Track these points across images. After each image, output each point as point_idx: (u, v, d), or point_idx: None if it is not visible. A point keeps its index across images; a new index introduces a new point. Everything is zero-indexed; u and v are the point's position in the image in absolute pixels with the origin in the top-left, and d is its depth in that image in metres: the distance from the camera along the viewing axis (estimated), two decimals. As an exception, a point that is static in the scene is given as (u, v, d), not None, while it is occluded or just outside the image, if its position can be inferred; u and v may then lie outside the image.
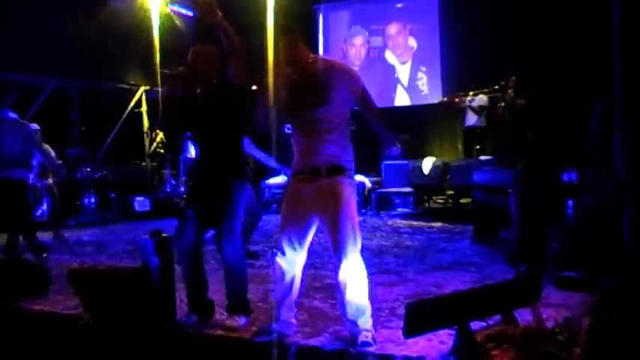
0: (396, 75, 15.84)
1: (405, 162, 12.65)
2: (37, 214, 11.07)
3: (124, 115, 15.51)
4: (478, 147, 12.43)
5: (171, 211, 11.97)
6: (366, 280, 4.33)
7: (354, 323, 4.27)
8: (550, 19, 12.09)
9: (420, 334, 4.01)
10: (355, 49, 16.40)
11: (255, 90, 4.91)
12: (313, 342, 4.40)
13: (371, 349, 4.15)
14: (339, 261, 4.24)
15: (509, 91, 11.60)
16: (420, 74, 15.58)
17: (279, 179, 11.68)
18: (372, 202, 12.48)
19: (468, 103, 12.86)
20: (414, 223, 10.79)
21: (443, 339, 4.14)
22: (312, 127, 4.34)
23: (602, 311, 3.73)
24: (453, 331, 3.93)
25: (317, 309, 5.23)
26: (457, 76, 14.21)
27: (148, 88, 15.58)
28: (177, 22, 15.26)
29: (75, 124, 14.49)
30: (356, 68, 16.15)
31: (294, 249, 4.42)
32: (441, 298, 4.44)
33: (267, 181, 12.66)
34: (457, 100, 12.87)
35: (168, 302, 5.05)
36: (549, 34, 12.02)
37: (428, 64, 15.40)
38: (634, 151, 4.82)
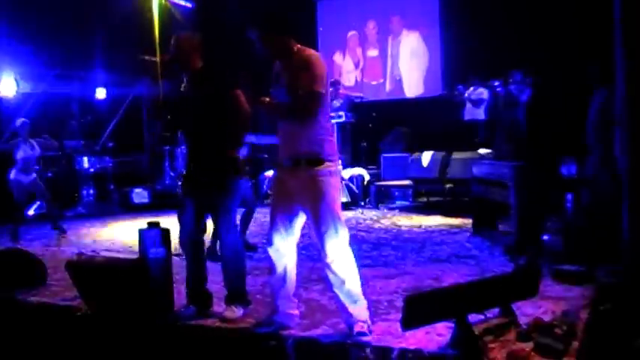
0: (397, 67, 15.81)
1: (404, 155, 12.63)
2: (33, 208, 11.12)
3: (123, 107, 15.47)
4: (477, 140, 12.40)
5: (169, 203, 11.96)
6: (355, 270, 4.32)
7: (349, 314, 4.28)
8: (549, 11, 12.05)
9: (418, 327, 4.02)
10: (355, 42, 16.37)
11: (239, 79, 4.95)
12: (311, 334, 4.40)
13: (366, 338, 4.15)
14: (323, 253, 4.26)
15: (509, 84, 11.57)
16: (420, 66, 15.55)
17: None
18: (371, 195, 12.47)
19: (467, 96, 12.84)
20: (413, 215, 10.78)
21: (441, 332, 4.13)
22: (290, 118, 4.34)
23: (600, 304, 3.74)
24: (451, 324, 3.94)
25: (315, 301, 5.23)
26: (457, 68, 14.19)
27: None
28: (176, 13, 15.22)
29: (74, 115, 14.47)
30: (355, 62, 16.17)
31: (282, 239, 4.43)
32: (439, 291, 4.45)
33: (265, 173, 12.64)
34: None
35: (165, 293, 5.05)
36: (548, 26, 11.99)
37: (428, 56, 15.37)
38: (633, 141, 4.82)
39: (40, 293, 6.03)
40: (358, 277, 4.34)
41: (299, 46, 4.39)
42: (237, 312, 4.84)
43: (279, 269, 4.46)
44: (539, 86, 10.33)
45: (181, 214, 5.05)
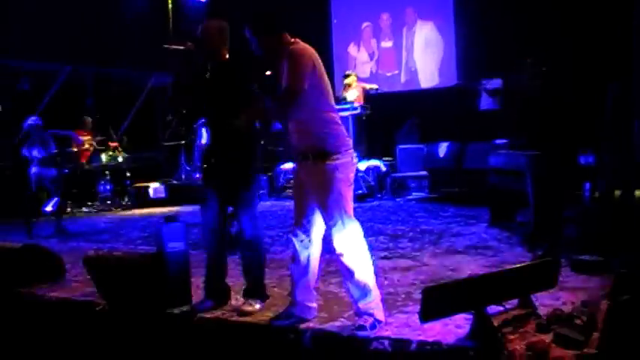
0: (411, 58, 15.76)
1: (420, 146, 12.59)
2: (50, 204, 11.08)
3: (139, 102, 15.52)
4: (493, 130, 12.34)
5: (186, 197, 11.99)
6: (367, 263, 4.31)
7: (357, 306, 4.27)
8: (566, 1, 11.99)
9: (436, 319, 4.00)
10: (369, 34, 16.32)
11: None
12: (329, 327, 4.39)
13: (363, 333, 4.11)
14: (333, 245, 4.27)
15: (523, 72, 11.51)
16: (434, 57, 15.49)
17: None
18: (387, 187, 12.44)
19: (482, 85, 12.78)
20: (430, 207, 10.75)
21: (459, 323, 4.11)
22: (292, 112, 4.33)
23: (619, 294, 3.70)
24: (469, 316, 3.92)
25: (332, 294, 5.22)
26: (472, 58, 14.13)
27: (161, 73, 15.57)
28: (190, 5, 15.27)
29: (89, 111, 14.53)
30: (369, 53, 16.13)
31: (305, 230, 4.44)
32: (457, 283, 4.42)
33: (281, 166, 12.65)
34: None
35: (184, 287, 5.06)
36: (563, 16, 11.92)
37: (443, 46, 15.31)
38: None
39: (59, 289, 6.06)
40: (371, 269, 4.33)
41: (294, 41, 4.36)
42: (255, 305, 4.83)
43: (302, 259, 4.47)
44: (554, 75, 10.27)
45: (203, 208, 5.04)
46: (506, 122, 11.59)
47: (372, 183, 12.28)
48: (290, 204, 5.11)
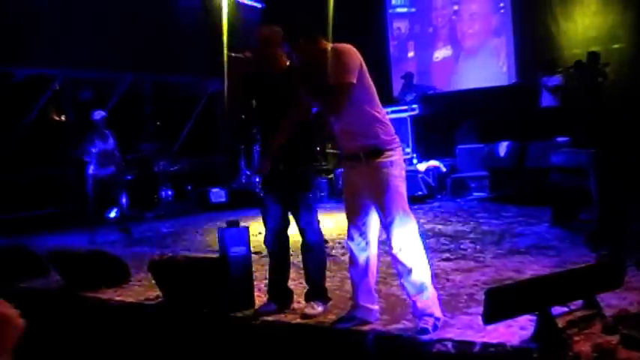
0: (471, 56, 15.60)
1: (480, 145, 12.47)
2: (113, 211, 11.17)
3: (198, 109, 15.71)
4: (554, 128, 12.16)
5: (246, 201, 12.09)
6: (424, 261, 4.29)
7: (416, 307, 4.26)
8: None
9: (500, 321, 3.96)
10: (420, 29, 16.25)
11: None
12: (392, 329, 4.39)
13: (427, 336, 4.09)
14: (390, 243, 4.26)
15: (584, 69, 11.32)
16: (493, 55, 15.31)
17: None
18: (447, 187, 12.35)
19: (543, 82, 12.60)
20: (491, 207, 10.63)
21: (523, 325, 4.06)
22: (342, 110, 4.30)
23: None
24: (533, 317, 3.87)
25: (394, 296, 5.20)
26: (532, 55, 13.94)
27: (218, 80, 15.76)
28: (244, 13, 15.39)
29: (149, 118, 14.77)
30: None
31: (360, 232, 4.45)
32: (521, 284, 4.38)
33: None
34: None
35: (246, 291, 5.12)
36: (624, 12, 11.71)
37: (503, 43, 15.12)
38: None
39: (124, 293, 6.18)
40: (428, 267, 4.32)
41: (331, 45, 4.36)
42: (317, 308, 4.85)
43: (361, 262, 4.48)
44: (618, 71, 10.09)
45: (264, 213, 5.07)
46: (567, 119, 11.43)
47: (432, 184, 12.20)
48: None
